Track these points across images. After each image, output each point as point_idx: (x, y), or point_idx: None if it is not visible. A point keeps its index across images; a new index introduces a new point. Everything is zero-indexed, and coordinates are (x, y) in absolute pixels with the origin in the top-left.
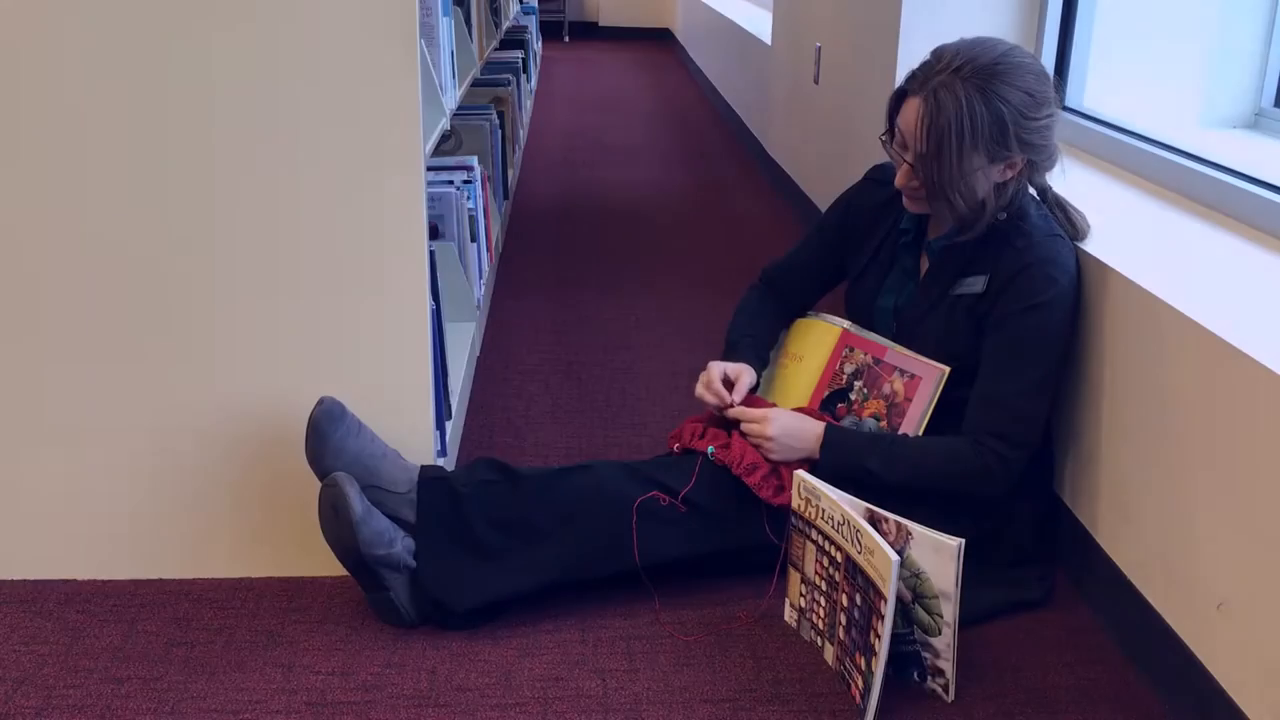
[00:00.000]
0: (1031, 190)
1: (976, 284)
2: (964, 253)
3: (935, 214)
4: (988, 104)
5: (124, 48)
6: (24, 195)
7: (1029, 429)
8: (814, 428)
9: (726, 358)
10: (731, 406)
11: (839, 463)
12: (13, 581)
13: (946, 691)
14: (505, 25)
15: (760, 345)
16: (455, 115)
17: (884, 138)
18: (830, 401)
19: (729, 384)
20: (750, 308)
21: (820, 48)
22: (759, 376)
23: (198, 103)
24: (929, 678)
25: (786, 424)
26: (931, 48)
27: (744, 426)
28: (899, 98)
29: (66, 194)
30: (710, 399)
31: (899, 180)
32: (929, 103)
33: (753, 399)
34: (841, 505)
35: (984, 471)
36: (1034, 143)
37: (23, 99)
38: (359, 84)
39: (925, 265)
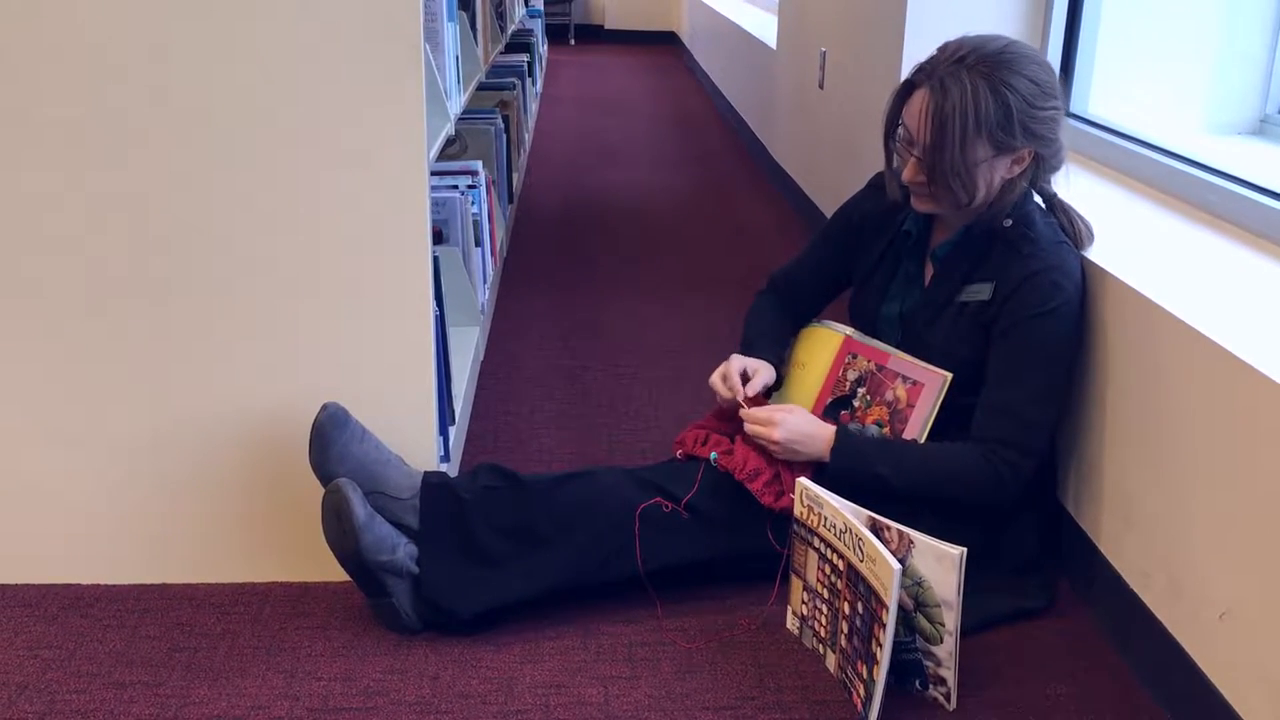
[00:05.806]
0: (1037, 198)
1: (983, 292)
2: (969, 260)
3: (940, 208)
4: (994, 91)
5: (126, 52)
6: (25, 197)
7: (1038, 436)
8: (824, 432)
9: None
10: (744, 399)
11: (849, 467)
12: (17, 586)
13: (948, 700)
14: (511, 29)
15: (778, 344)
16: (460, 119)
17: (888, 133)
18: (834, 408)
19: (745, 379)
20: (763, 311)
21: (825, 53)
22: (777, 374)
23: (200, 107)
24: (930, 686)
25: (796, 427)
26: None
27: (748, 428)
28: (906, 91)
29: (68, 197)
30: (724, 392)
31: (906, 175)
32: (935, 91)
33: (763, 403)
34: (844, 513)
35: (994, 479)
36: (1040, 134)
37: (23, 100)
38: (363, 90)
39: (930, 272)
